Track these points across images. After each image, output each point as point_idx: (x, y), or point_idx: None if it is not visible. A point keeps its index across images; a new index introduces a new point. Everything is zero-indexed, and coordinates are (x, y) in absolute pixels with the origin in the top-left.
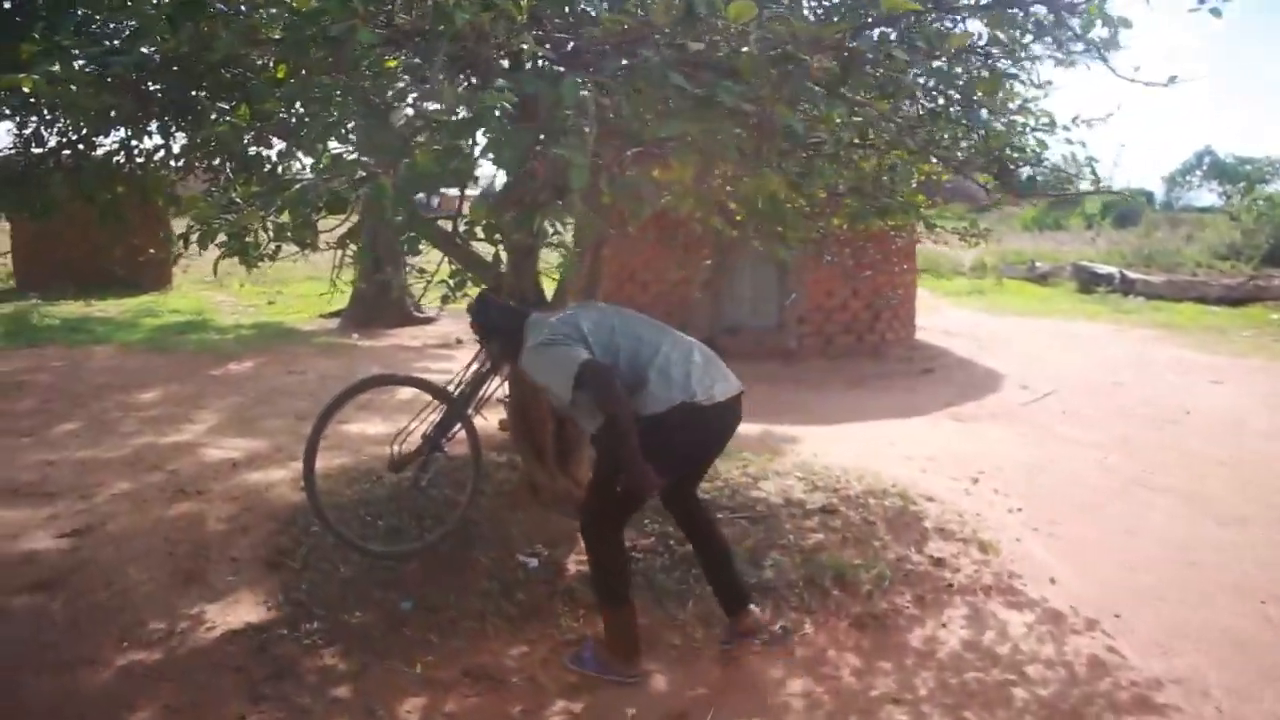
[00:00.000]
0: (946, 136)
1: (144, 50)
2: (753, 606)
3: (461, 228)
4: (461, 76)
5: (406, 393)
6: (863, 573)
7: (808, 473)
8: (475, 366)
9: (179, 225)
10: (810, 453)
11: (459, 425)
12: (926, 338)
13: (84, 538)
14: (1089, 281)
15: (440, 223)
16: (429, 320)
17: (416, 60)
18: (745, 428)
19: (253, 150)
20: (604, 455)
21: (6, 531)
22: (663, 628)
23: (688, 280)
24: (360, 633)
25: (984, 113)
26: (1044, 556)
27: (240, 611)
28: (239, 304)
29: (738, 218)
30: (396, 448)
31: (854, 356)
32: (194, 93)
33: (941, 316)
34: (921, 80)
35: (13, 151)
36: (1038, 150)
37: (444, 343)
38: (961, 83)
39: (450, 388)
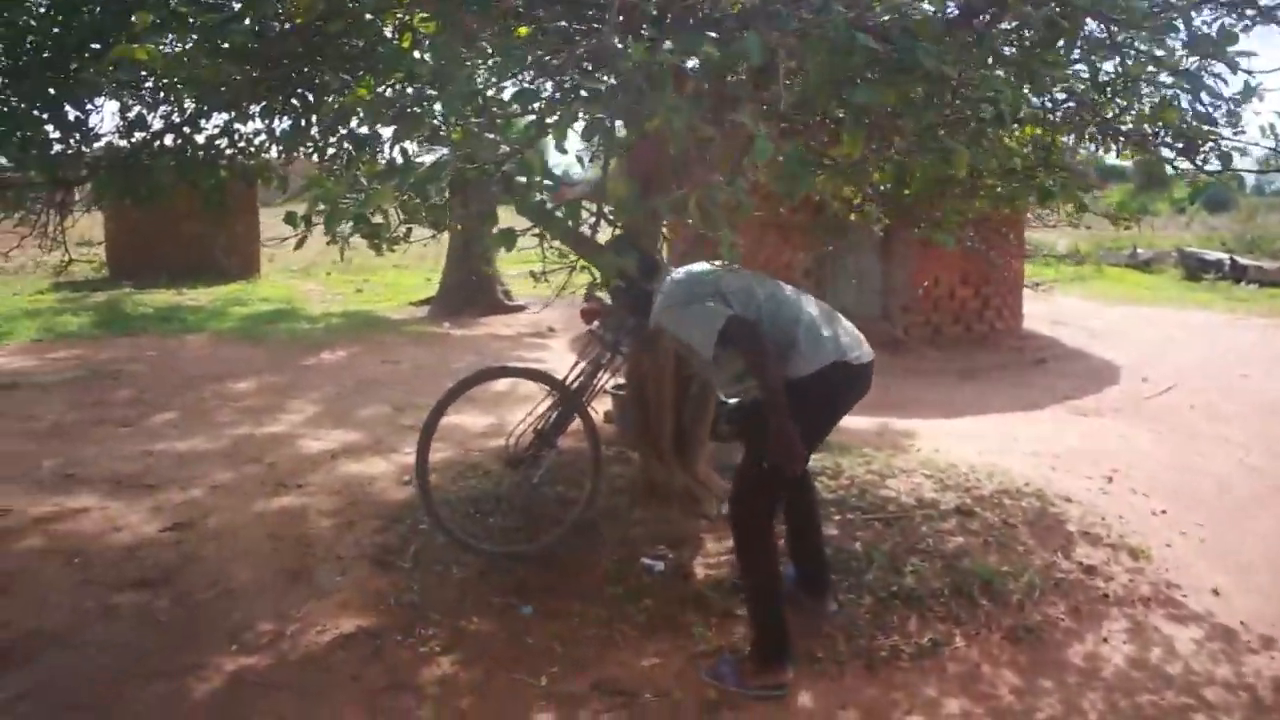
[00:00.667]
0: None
1: (263, 20)
2: (831, 604)
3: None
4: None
5: (505, 384)
6: (1011, 581)
7: (935, 470)
8: (590, 357)
9: (273, 214)
10: (932, 449)
11: (574, 419)
12: (1034, 326)
13: (186, 531)
14: (1196, 268)
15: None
16: (520, 308)
17: (571, 24)
18: (861, 421)
19: (367, 129)
20: (751, 432)
21: (109, 524)
22: (802, 637)
23: (790, 266)
24: (479, 640)
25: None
26: (1200, 565)
27: (350, 614)
28: (327, 293)
29: (864, 200)
30: (512, 442)
31: (962, 346)
32: (313, 66)
33: (1045, 305)
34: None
35: (117, 135)
36: (1230, 123)
37: (536, 331)
38: (1184, 39)
39: (564, 379)
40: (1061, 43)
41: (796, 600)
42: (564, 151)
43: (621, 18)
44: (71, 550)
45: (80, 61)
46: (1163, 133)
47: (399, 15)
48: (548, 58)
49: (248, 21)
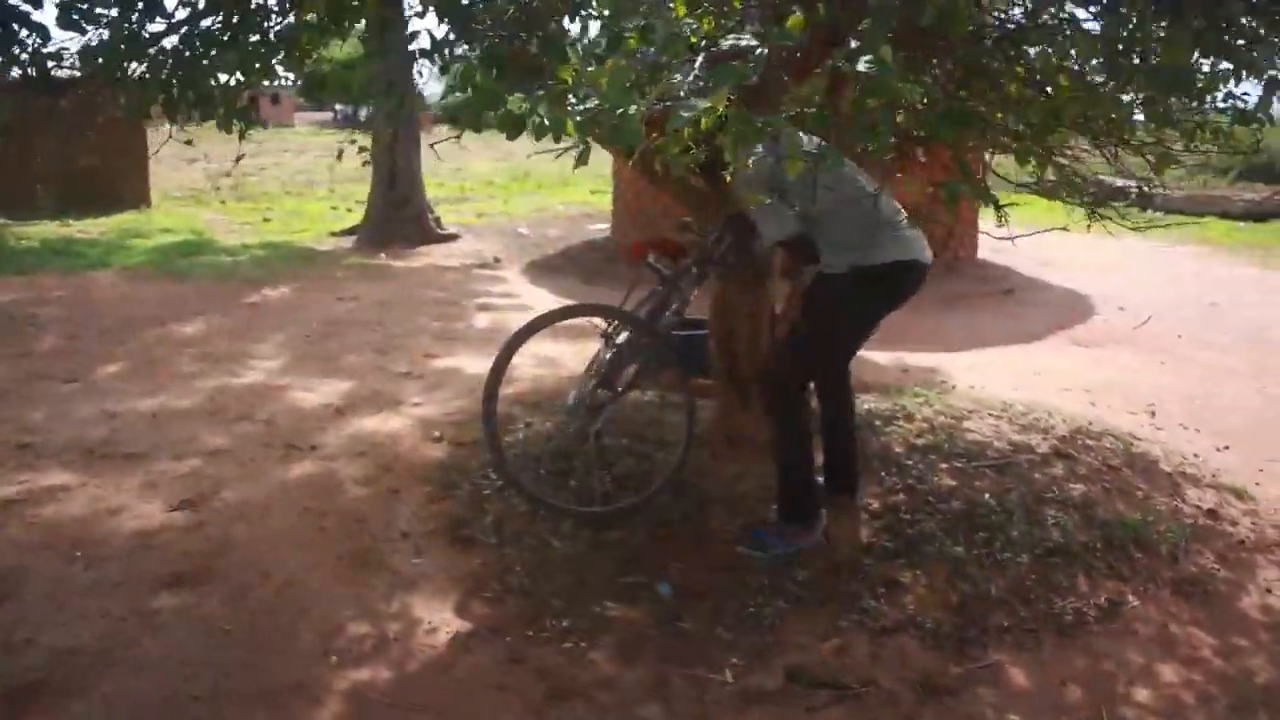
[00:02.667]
0: None
1: None
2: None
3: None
4: None
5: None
6: (1153, 530)
7: (998, 410)
8: (654, 295)
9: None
10: (966, 385)
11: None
12: (984, 255)
13: (200, 510)
14: (1106, 195)
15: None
16: (453, 238)
17: None
18: (878, 355)
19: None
20: (804, 309)
21: (100, 505)
22: (980, 605)
23: None
24: (625, 630)
25: None
26: None
27: (451, 605)
28: (231, 222)
29: None
30: (594, 388)
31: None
32: None
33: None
34: None
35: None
36: None
37: (482, 262)
38: None
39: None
40: None
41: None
42: None
43: None
44: (69, 541)
45: None
46: None
47: None
48: None
49: None
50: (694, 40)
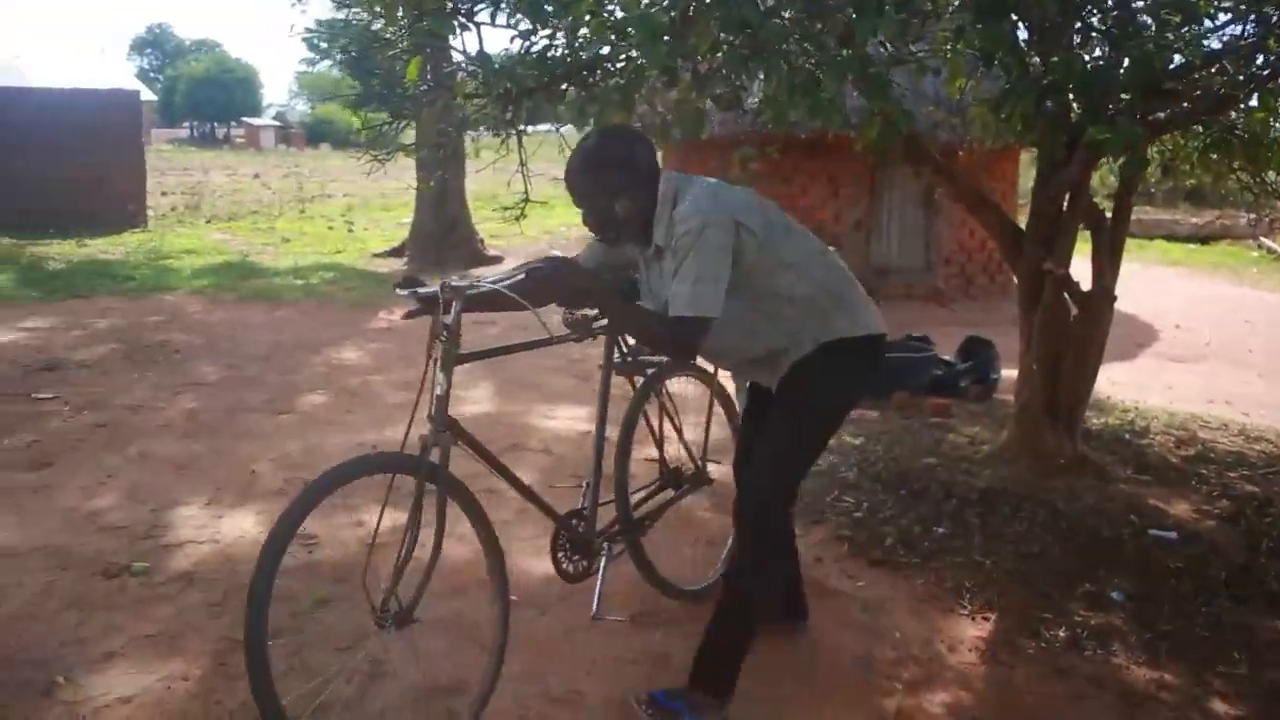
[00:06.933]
0: None
1: None
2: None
3: None
4: None
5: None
6: None
7: (1194, 423)
8: None
9: None
10: (1119, 401)
11: None
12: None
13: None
14: None
15: None
16: (498, 259)
17: None
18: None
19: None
20: (792, 389)
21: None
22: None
23: (838, 219)
24: (1116, 636)
25: None
26: None
27: (938, 613)
28: (250, 243)
29: None
30: None
31: (992, 298)
32: None
33: None
34: None
35: None
36: None
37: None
38: None
39: None
40: None
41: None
42: None
43: None
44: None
45: None
46: None
47: None
48: None
49: None
50: None
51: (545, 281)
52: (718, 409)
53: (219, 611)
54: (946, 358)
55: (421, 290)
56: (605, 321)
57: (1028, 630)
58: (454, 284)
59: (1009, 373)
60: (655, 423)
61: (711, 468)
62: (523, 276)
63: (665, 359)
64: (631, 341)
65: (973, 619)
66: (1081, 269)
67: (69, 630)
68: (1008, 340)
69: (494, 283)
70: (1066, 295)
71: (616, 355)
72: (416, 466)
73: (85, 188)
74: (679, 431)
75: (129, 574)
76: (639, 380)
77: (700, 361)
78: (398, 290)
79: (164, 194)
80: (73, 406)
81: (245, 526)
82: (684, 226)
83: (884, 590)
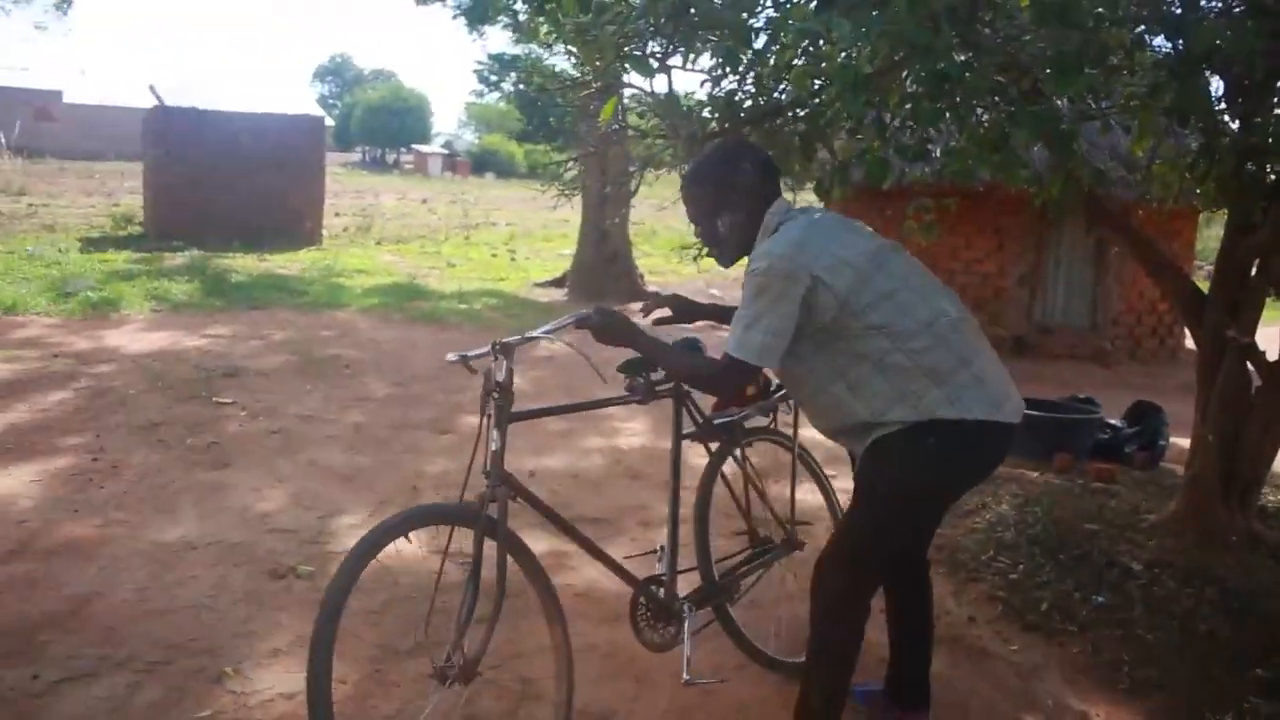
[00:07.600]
0: None
1: None
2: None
3: None
4: None
5: None
6: None
7: None
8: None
9: None
10: None
11: None
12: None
13: None
14: None
15: None
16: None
17: None
18: None
19: None
20: (902, 464)
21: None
22: None
23: (1004, 273)
24: None
25: None
26: None
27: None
28: (418, 266)
29: None
30: None
31: (1159, 361)
32: None
33: None
34: None
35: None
36: None
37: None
38: None
39: None
40: None
41: (887, 712)
42: None
43: None
44: None
45: None
46: None
47: None
48: None
49: None
50: None
51: (592, 328)
52: (803, 473)
53: (377, 619)
54: (1113, 421)
55: (470, 354)
56: (669, 385)
57: (1192, 713)
58: (504, 341)
59: (1178, 441)
60: (738, 488)
61: (805, 532)
62: (571, 323)
63: (738, 422)
64: (702, 406)
65: (1131, 695)
66: (1266, 338)
67: (239, 624)
68: (1176, 407)
69: (544, 332)
70: (1250, 364)
71: (688, 421)
72: (474, 520)
73: (268, 205)
74: (762, 495)
75: (295, 575)
76: (714, 446)
77: (780, 425)
78: (449, 359)
79: (337, 215)
80: (250, 412)
81: (404, 542)
82: (754, 265)
83: (1037, 656)
